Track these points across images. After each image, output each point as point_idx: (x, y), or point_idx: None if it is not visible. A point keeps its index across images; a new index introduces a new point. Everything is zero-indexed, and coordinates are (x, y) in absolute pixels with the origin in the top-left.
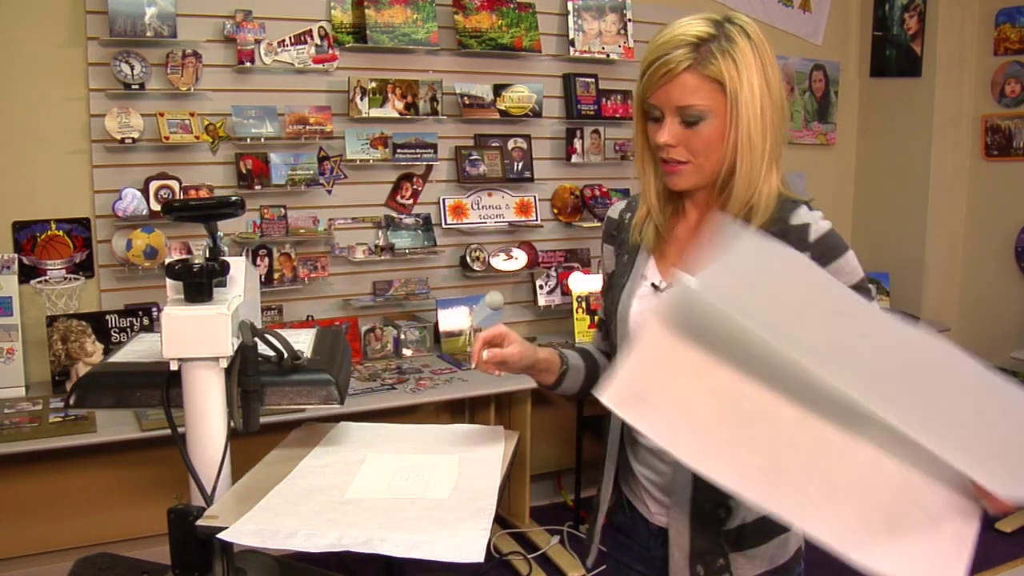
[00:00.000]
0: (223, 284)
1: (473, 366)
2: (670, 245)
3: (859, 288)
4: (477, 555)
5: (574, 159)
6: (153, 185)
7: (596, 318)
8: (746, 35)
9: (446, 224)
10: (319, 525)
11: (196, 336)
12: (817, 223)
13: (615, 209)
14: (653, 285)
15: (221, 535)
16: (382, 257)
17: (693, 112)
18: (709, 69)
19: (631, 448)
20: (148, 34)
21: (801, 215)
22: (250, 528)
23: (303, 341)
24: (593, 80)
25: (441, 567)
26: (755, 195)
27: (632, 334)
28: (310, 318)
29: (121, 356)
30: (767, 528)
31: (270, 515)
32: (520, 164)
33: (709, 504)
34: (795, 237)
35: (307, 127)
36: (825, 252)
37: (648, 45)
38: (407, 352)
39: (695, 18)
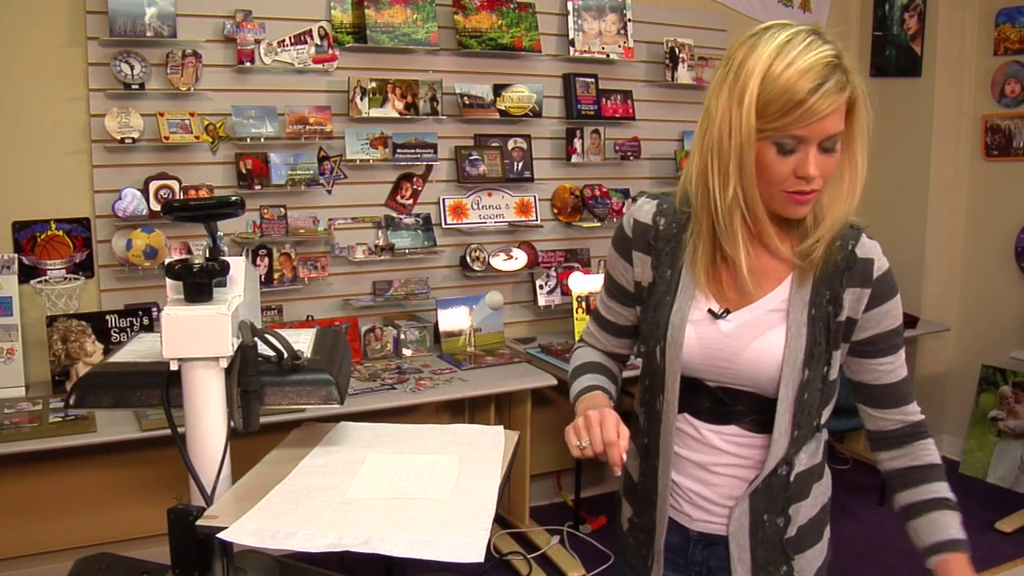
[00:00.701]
0: (223, 284)
1: (618, 473)
2: (721, 266)
3: (897, 332)
4: (477, 555)
5: (574, 159)
6: (153, 185)
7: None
8: None
9: (446, 224)
10: (319, 525)
11: (196, 336)
12: (879, 259)
13: (644, 213)
14: (711, 312)
15: (221, 535)
16: (382, 257)
17: (836, 138)
18: (853, 90)
19: (668, 459)
20: (148, 34)
21: (865, 247)
22: (250, 528)
23: (303, 341)
24: (593, 80)
25: (441, 567)
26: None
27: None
28: (310, 318)
29: (121, 356)
30: (820, 524)
31: (270, 515)
32: (520, 164)
33: (769, 515)
34: (860, 271)
35: (307, 127)
36: (883, 292)
37: (781, 74)
38: (407, 352)
39: (809, 35)
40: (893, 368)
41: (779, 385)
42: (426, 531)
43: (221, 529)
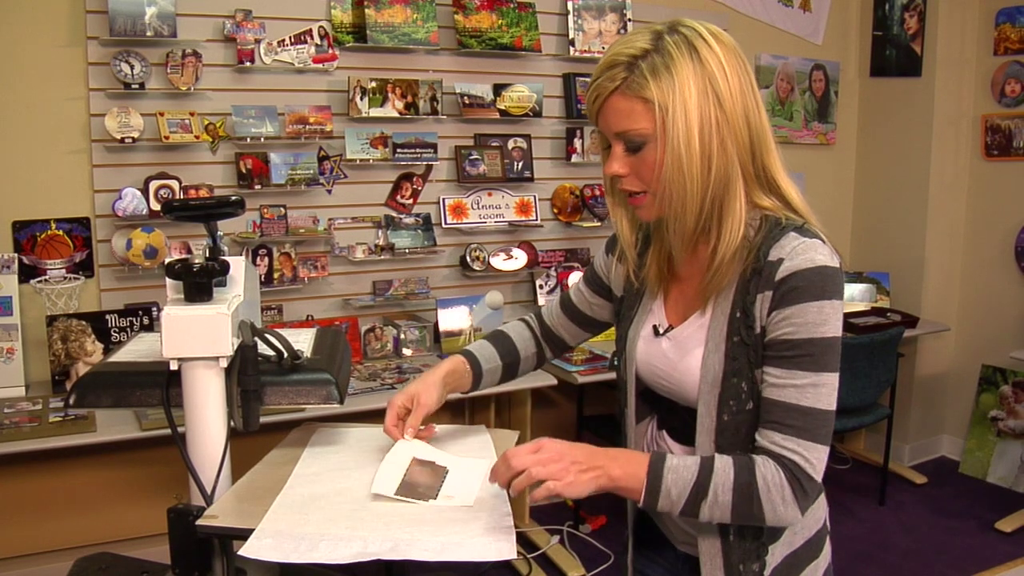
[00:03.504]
0: (223, 284)
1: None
2: (675, 280)
3: (794, 345)
4: (510, 552)
5: (574, 159)
6: (153, 185)
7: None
8: (688, 45)
9: (446, 224)
10: (338, 535)
11: (196, 336)
12: (792, 259)
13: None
14: (654, 327)
15: (241, 551)
16: (382, 257)
17: (631, 137)
18: (636, 89)
19: None
20: (148, 34)
21: (784, 247)
22: (267, 543)
23: (303, 341)
24: None
25: (441, 567)
26: (701, 224)
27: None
28: (310, 318)
29: (121, 356)
30: (800, 562)
31: (283, 527)
32: (520, 164)
33: (738, 553)
34: (767, 273)
35: (307, 127)
36: (786, 294)
37: None
38: (407, 352)
39: (636, 32)
40: (777, 383)
41: (698, 404)
42: (450, 533)
43: (221, 529)
